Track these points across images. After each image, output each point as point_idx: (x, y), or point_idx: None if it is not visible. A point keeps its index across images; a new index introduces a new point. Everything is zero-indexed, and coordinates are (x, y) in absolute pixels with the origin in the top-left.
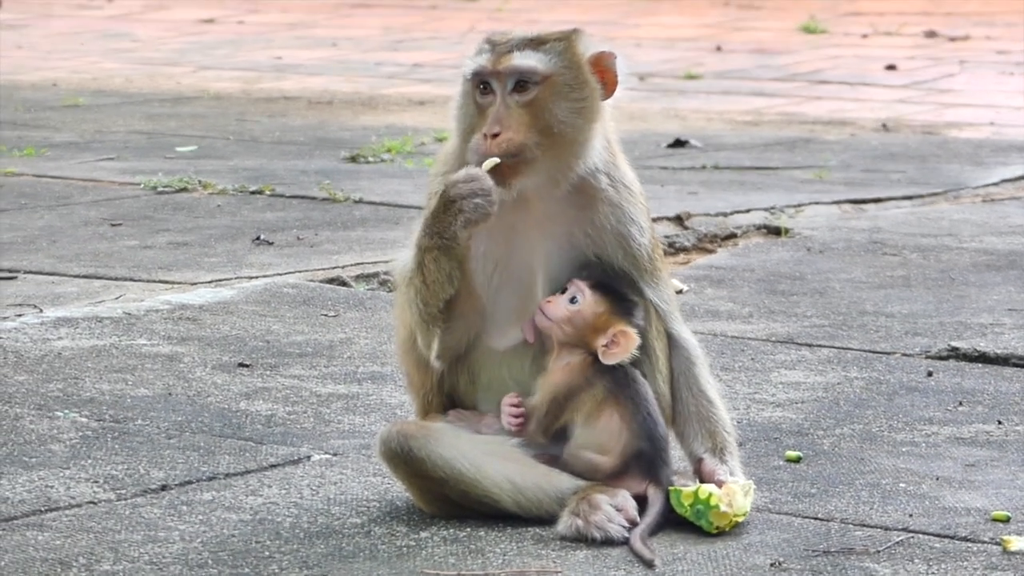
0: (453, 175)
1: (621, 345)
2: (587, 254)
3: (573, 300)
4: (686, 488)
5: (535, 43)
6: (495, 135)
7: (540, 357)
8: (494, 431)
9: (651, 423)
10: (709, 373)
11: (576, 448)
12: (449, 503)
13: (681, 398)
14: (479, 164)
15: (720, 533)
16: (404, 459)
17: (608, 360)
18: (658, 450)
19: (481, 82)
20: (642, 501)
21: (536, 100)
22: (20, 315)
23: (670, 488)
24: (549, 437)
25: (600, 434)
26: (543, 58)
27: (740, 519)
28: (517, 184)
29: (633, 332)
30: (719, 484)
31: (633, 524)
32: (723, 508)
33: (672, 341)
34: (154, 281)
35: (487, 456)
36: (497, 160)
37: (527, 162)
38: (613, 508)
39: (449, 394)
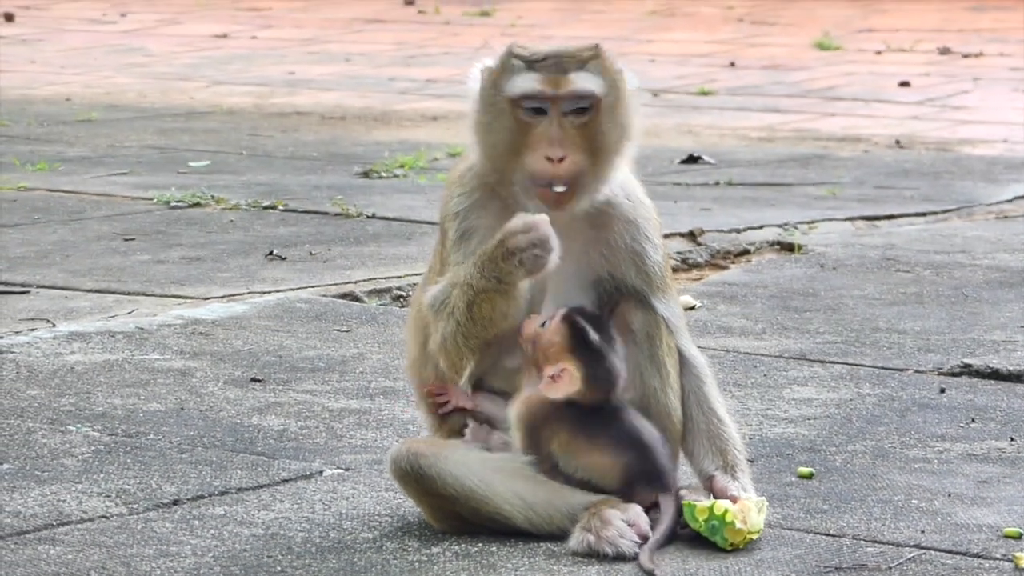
0: (511, 223)
1: (562, 381)
2: (600, 273)
3: (544, 323)
4: (700, 503)
5: (581, 62)
6: (561, 159)
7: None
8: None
9: (635, 434)
10: (718, 391)
11: (579, 476)
12: (461, 520)
13: (691, 416)
14: (546, 187)
15: (733, 550)
16: (415, 477)
17: (546, 391)
18: (652, 459)
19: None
20: (656, 509)
21: (590, 122)
22: (33, 329)
23: (684, 503)
24: (541, 459)
25: (591, 471)
26: (597, 80)
27: (754, 536)
28: (571, 208)
29: (578, 376)
30: (733, 500)
31: (645, 539)
32: (739, 525)
33: (681, 358)
34: (167, 296)
35: (497, 473)
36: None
37: (581, 185)
38: (625, 523)
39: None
